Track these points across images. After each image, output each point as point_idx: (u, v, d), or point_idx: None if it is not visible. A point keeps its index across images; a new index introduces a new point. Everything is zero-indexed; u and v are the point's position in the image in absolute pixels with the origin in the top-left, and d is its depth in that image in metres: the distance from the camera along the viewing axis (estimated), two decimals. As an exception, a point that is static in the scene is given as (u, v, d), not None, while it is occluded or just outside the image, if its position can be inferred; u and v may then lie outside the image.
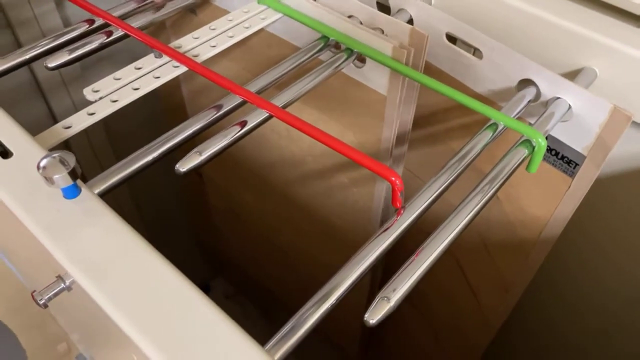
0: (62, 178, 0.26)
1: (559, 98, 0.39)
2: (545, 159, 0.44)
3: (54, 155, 0.27)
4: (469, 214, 0.32)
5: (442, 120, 0.50)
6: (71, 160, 0.27)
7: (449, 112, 0.49)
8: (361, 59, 0.45)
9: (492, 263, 0.54)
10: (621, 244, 0.55)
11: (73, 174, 0.27)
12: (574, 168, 0.42)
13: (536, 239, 0.48)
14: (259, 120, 0.37)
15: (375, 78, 0.44)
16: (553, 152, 0.43)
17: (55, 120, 0.72)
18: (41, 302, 0.28)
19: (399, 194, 0.30)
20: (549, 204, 0.45)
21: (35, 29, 0.64)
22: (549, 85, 0.40)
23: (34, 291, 0.28)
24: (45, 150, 0.31)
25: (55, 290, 0.28)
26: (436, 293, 0.64)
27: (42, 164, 0.26)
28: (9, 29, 0.63)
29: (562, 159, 0.43)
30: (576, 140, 0.40)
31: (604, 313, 0.61)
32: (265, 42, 0.52)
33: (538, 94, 0.41)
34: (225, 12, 0.52)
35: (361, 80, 0.46)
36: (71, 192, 0.28)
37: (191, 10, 0.57)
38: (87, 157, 0.77)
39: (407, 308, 0.71)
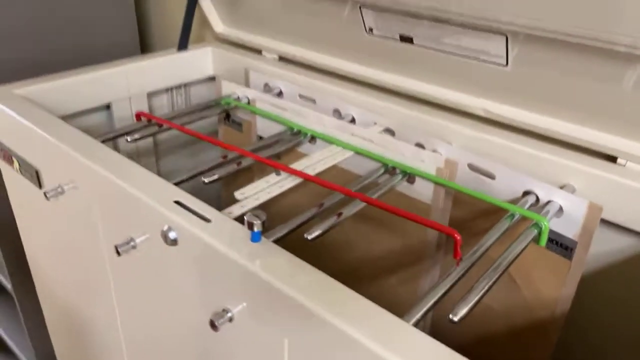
0: (258, 225, 0.43)
1: (552, 201, 0.58)
2: (548, 248, 0.61)
3: (255, 212, 0.44)
4: (508, 264, 0.48)
5: (469, 222, 0.68)
6: (263, 216, 0.44)
7: (475, 214, 0.67)
8: (411, 179, 0.64)
9: (517, 341, 0.67)
10: (611, 335, 0.68)
11: (263, 224, 0.44)
12: (570, 252, 0.59)
13: (552, 316, 0.62)
14: (353, 211, 0.55)
15: (423, 191, 0.64)
16: (554, 242, 0.60)
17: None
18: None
19: (459, 247, 0.47)
20: (557, 284, 0.61)
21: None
22: (544, 193, 0.59)
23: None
24: (229, 218, 0.48)
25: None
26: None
27: (247, 215, 0.44)
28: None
29: (561, 246, 0.60)
30: (568, 230, 0.58)
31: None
32: (331, 173, 0.72)
33: (537, 199, 0.59)
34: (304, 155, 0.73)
35: (410, 194, 0.65)
36: (257, 237, 0.45)
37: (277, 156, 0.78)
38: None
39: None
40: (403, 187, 0.65)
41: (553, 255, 0.61)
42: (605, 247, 0.65)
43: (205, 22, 1.12)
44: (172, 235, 0.49)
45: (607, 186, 0.60)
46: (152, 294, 0.59)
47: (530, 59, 0.62)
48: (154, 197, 0.51)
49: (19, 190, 0.80)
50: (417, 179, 0.64)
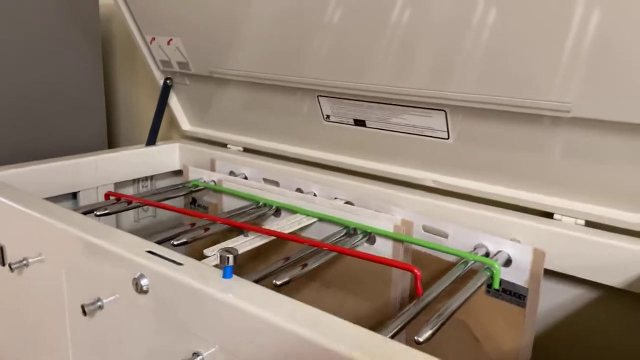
0: (231, 259, 0.46)
1: (501, 251, 0.63)
2: (504, 299, 0.64)
3: (228, 249, 0.47)
4: (461, 304, 0.52)
5: (427, 279, 0.71)
6: (235, 252, 0.47)
7: (431, 266, 0.71)
8: (371, 240, 0.68)
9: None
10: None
11: (235, 260, 0.46)
12: (524, 300, 0.63)
13: (515, 368, 0.64)
14: (318, 262, 0.58)
15: (383, 249, 0.67)
16: (508, 292, 0.64)
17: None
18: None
19: (419, 282, 0.50)
20: (515, 334, 0.63)
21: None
22: (494, 245, 0.64)
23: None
24: (200, 262, 0.50)
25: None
26: None
27: (220, 251, 0.46)
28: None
29: (514, 295, 0.63)
30: (519, 278, 0.62)
31: None
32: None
33: (488, 251, 0.64)
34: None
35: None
36: (229, 273, 0.47)
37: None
38: None
39: None
40: (364, 248, 0.69)
41: (509, 306, 0.64)
42: (556, 299, 0.69)
43: (173, 123, 1.20)
44: (144, 282, 0.50)
45: (548, 238, 0.66)
46: (116, 356, 0.57)
47: (468, 131, 0.71)
48: (127, 248, 0.53)
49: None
50: (378, 239, 0.68)
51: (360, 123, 0.82)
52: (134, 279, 0.51)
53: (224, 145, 1.04)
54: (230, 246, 0.55)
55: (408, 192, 0.77)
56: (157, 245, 0.54)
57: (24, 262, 0.65)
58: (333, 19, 0.71)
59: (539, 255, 0.60)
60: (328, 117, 0.86)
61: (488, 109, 0.67)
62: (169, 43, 0.96)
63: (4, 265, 0.71)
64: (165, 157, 1.05)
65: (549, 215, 0.69)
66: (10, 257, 0.70)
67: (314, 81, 0.80)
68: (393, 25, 0.66)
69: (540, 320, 0.71)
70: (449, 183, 0.77)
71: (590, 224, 0.66)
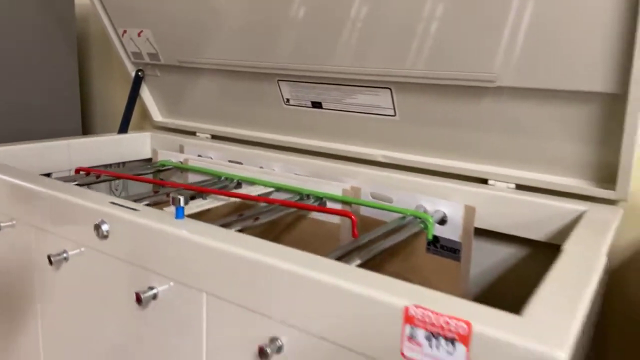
0: (182, 200, 0.51)
1: (438, 210, 0.69)
2: (441, 255, 0.70)
3: (181, 194, 0.52)
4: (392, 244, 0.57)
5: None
6: (187, 194, 0.52)
7: (375, 224, 0.76)
8: (322, 204, 0.74)
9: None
10: None
11: (186, 201, 0.52)
12: (458, 253, 0.69)
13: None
14: (271, 217, 0.63)
15: (332, 215, 0.73)
16: (444, 248, 0.70)
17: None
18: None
19: (355, 227, 0.56)
20: (453, 285, 0.69)
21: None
22: (431, 205, 0.70)
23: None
24: (154, 208, 0.56)
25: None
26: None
27: (172, 194, 0.52)
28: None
29: (450, 250, 0.69)
30: (454, 233, 0.69)
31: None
32: (259, 212, 0.80)
33: (426, 210, 0.70)
34: (233, 197, 0.82)
35: (322, 219, 0.74)
36: (181, 213, 0.52)
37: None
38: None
39: None
40: (316, 213, 0.75)
41: (445, 261, 0.70)
42: (491, 257, 0.76)
43: (145, 115, 1.25)
44: (104, 227, 0.55)
45: (482, 200, 0.72)
46: (79, 301, 0.62)
47: (411, 106, 0.78)
48: (90, 200, 0.58)
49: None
50: (328, 204, 0.74)
51: (317, 105, 0.89)
52: (95, 224, 0.56)
53: (192, 133, 1.10)
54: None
55: (359, 166, 0.83)
56: (118, 199, 0.59)
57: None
58: (292, 8, 0.78)
59: (469, 210, 0.67)
60: (288, 100, 0.92)
61: (425, 84, 0.74)
62: (139, 34, 1.02)
63: (-24, 232, 0.75)
64: (137, 144, 1.10)
65: (484, 181, 0.76)
66: (-18, 224, 0.74)
67: (275, 65, 0.87)
68: (344, 13, 0.73)
69: (477, 277, 0.77)
70: (397, 157, 0.83)
71: (519, 187, 0.73)
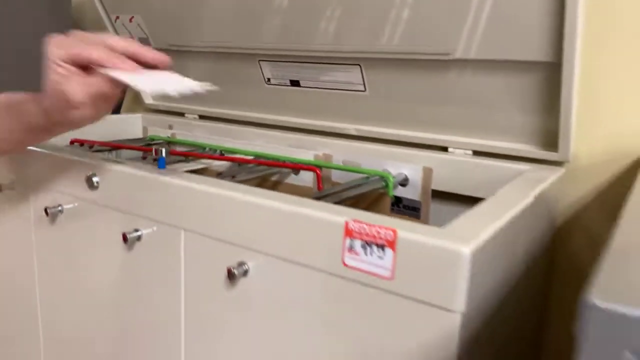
0: (163, 151, 0.58)
1: (400, 172, 0.76)
2: (403, 214, 0.77)
3: (163, 146, 0.59)
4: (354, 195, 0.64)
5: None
6: (167, 147, 0.59)
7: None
8: (296, 171, 0.81)
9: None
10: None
11: (167, 152, 0.59)
12: (418, 212, 0.76)
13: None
14: (247, 177, 0.70)
15: (305, 178, 0.80)
16: (407, 207, 0.77)
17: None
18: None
19: (320, 180, 0.63)
20: (414, 242, 0.76)
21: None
22: (394, 168, 0.77)
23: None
24: (140, 161, 0.62)
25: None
26: None
27: (155, 147, 0.58)
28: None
29: (412, 209, 0.76)
30: (414, 193, 0.75)
31: None
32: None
33: (390, 173, 0.77)
34: (216, 166, 0.89)
35: (296, 183, 0.81)
36: (162, 164, 0.59)
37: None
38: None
39: None
40: (291, 178, 0.81)
41: (407, 219, 0.77)
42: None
43: (137, 99, 1.32)
44: (95, 179, 0.62)
45: (442, 165, 0.79)
46: (73, 252, 0.69)
47: (379, 82, 0.85)
48: (81, 156, 0.65)
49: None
50: (301, 171, 0.80)
51: (295, 83, 0.96)
52: (87, 176, 0.62)
53: (181, 115, 1.17)
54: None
55: (333, 139, 0.90)
56: (107, 155, 0.66)
57: (-3, 188, 0.76)
58: (265, -12, 0.85)
59: (427, 171, 0.74)
60: (269, 80, 0.99)
61: (390, 59, 0.81)
62: (130, 20, 1.09)
63: (-21, 195, 0.81)
64: (129, 124, 1.17)
65: (445, 149, 0.83)
66: (-16, 187, 0.81)
67: (257, 46, 0.94)
68: (312, -10, 0.80)
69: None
70: (368, 129, 0.90)
71: (476, 153, 0.80)
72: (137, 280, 0.61)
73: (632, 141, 0.73)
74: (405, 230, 0.41)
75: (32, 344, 0.78)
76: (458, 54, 0.74)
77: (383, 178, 0.72)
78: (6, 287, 0.82)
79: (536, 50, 0.68)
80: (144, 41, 1.11)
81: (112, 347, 0.67)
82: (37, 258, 0.74)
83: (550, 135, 0.74)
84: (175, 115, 1.16)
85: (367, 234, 0.42)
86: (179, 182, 0.55)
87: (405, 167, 0.76)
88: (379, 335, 0.43)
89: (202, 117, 1.14)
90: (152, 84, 0.51)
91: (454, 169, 0.78)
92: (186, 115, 1.16)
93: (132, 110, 1.34)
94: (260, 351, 0.52)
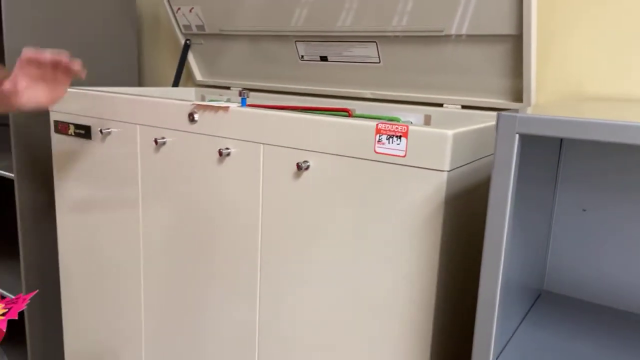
0: (246, 93, 0.85)
1: (407, 120, 1.03)
2: (410, 151, 1.04)
3: (245, 92, 0.86)
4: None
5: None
6: (248, 93, 0.86)
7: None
8: (329, 121, 1.08)
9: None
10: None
11: (247, 94, 0.85)
12: (420, 149, 1.02)
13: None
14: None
15: (336, 125, 1.07)
16: (412, 146, 1.03)
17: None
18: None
19: (351, 115, 0.90)
20: (417, 172, 1.03)
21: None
22: (403, 117, 1.04)
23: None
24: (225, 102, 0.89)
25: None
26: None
27: (240, 90, 0.85)
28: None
29: (416, 147, 1.03)
30: (417, 134, 1.02)
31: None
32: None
33: (403, 121, 1.04)
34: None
35: (330, 130, 1.08)
36: (244, 103, 0.85)
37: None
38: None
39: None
40: (325, 126, 1.08)
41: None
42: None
43: (189, 77, 1.59)
44: (196, 115, 0.89)
45: (438, 116, 1.06)
46: (173, 170, 0.95)
47: (391, 55, 1.11)
48: (182, 97, 0.92)
49: (66, 151, 1.16)
50: (332, 119, 1.07)
51: (323, 58, 1.23)
52: (189, 113, 0.89)
53: (227, 88, 1.44)
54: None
55: (353, 103, 1.17)
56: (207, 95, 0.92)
57: (107, 130, 1.03)
58: (304, -16, 1.12)
59: (427, 118, 1.00)
60: (302, 56, 1.26)
61: (400, 37, 1.07)
62: (190, 10, 1.36)
63: (90, 138, 1.08)
64: (184, 96, 1.44)
65: (441, 105, 1.09)
66: (94, 133, 1.08)
67: (293, 29, 1.20)
68: (341, -15, 1.07)
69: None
70: (381, 94, 1.17)
71: (464, 107, 1.07)
72: (227, 185, 0.88)
73: (577, 89, 1.00)
74: (413, 126, 0.67)
75: (133, 244, 1.05)
76: (448, 31, 1.00)
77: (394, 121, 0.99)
78: (114, 219, 1.09)
79: (507, 26, 0.95)
80: (200, 27, 1.38)
81: (200, 238, 0.94)
82: (142, 180, 1.01)
83: (518, 92, 1.01)
84: (221, 89, 1.43)
85: (389, 130, 0.68)
86: (259, 111, 0.82)
87: (410, 116, 1.03)
88: (396, 195, 0.70)
89: (244, 89, 1.41)
90: None
91: (448, 119, 1.05)
92: (231, 88, 1.43)
93: (186, 85, 1.61)
94: (312, 220, 0.78)
